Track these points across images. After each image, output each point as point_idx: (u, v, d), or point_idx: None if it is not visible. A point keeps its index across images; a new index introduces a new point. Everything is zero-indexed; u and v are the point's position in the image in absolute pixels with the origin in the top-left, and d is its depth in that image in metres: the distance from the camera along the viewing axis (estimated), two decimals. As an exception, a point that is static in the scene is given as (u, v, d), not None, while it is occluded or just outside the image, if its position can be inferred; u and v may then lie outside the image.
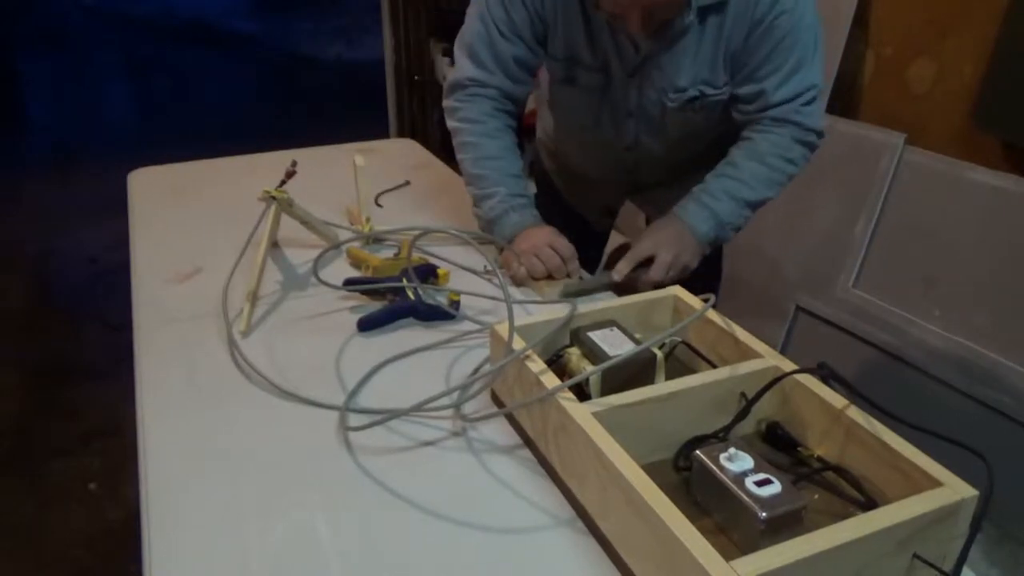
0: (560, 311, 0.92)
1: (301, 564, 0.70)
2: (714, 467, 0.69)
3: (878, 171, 1.99)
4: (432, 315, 1.10)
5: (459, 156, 1.28)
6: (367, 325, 1.07)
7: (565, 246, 1.19)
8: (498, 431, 0.88)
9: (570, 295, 1.16)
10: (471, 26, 1.23)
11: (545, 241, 1.19)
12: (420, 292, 1.11)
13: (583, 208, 1.54)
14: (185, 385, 0.95)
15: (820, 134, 1.22)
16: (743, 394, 0.81)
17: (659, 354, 0.84)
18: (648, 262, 1.17)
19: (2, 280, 3.06)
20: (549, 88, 1.35)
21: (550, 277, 1.19)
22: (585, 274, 1.25)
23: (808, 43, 1.14)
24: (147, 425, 0.88)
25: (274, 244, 1.30)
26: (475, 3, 1.22)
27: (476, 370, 0.99)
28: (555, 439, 0.78)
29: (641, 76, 1.19)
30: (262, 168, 1.53)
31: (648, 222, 1.51)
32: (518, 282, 1.20)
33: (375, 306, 1.12)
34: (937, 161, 1.90)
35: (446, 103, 1.28)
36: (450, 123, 1.29)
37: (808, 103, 1.18)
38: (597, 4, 1.09)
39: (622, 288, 1.18)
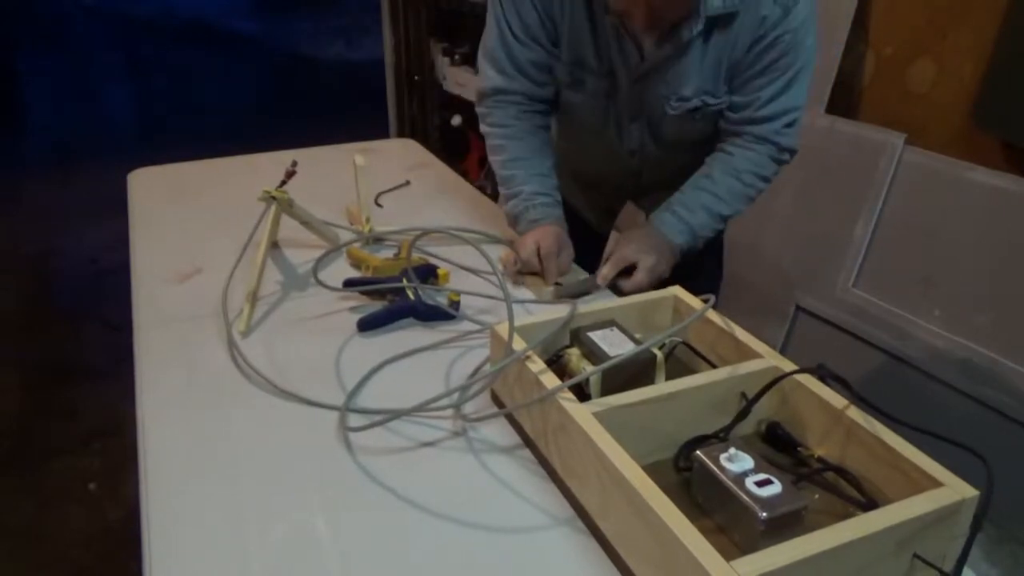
0: (560, 311, 0.92)
1: (301, 564, 0.70)
2: (714, 467, 0.69)
3: (878, 171, 1.99)
4: (432, 315, 1.10)
5: (491, 158, 1.31)
6: (367, 325, 1.07)
7: (547, 247, 1.20)
8: (498, 431, 0.88)
9: (559, 297, 1.18)
10: (489, 32, 1.24)
11: (534, 240, 1.21)
12: (420, 292, 1.11)
13: (585, 210, 1.54)
14: (185, 385, 0.95)
15: (794, 153, 1.25)
16: (743, 394, 0.81)
17: (659, 354, 0.84)
18: (629, 268, 1.20)
19: (2, 280, 3.06)
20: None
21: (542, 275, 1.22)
22: (580, 274, 1.25)
23: (804, 64, 1.16)
24: (147, 425, 0.88)
25: (274, 244, 1.30)
26: (491, 8, 1.23)
27: (476, 370, 0.99)
28: (555, 439, 0.78)
29: (645, 83, 1.19)
30: (262, 168, 1.53)
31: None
32: (512, 278, 1.23)
33: (375, 306, 1.12)
34: (937, 161, 1.90)
35: (478, 109, 1.32)
36: (482, 127, 1.32)
37: (790, 124, 1.21)
38: (607, 7, 1.10)
39: (621, 289, 1.19)
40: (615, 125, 1.28)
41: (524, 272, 1.23)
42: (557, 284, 1.20)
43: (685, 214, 1.23)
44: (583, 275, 1.25)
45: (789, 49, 1.13)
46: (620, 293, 1.19)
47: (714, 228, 1.25)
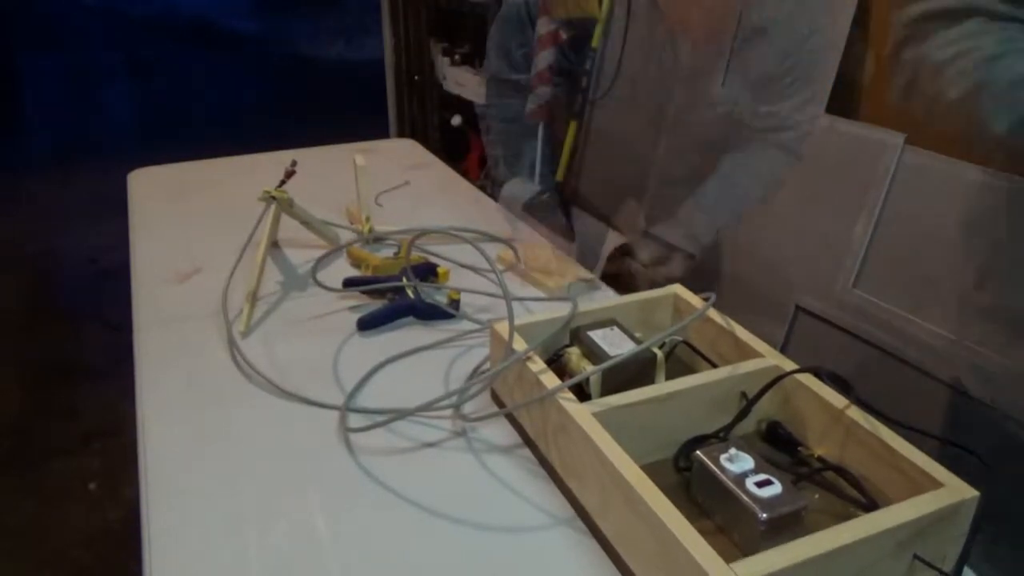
0: (560, 310, 0.92)
1: (301, 564, 0.70)
2: (714, 467, 0.69)
3: (878, 171, 1.98)
4: (432, 314, 1.10)
5: (489, 149, 1.30)
6: (367, 324, 1.07)
7: (566, 244, 1.21)
8: (498, 431, 0.88)
9: (589, 289, 1.19)
10: (509, 22, 1.24)
11: (547, 236, 1.21)
12: (420, 291, 1.11)
13: (585, 205, 1.54)
14: (185, 385, 0.95)
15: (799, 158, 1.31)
16: (743, 394, 0.81)
17: (659, 354, 0.84)
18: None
19: (2, 280, 3.06)
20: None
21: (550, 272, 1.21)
22: (580, 271, 1.25)
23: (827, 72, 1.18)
24: (147, 425, 0.88)
25: (274, 244, 1.30)
26: None
27: (476, 370, 0.99)
28: (555, 439, 0.78)
29: (674, 89, 1.20)
30: (262, 168, 1.53)
31: (647, 220, 1.52)
32: (523, 276, 1.22)
33: (375, 306, 1.12)
34: (937, 161, 1.90)
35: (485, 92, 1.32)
36: (485, 114, 1.31)
37: (803, 135, 1.28)
38: (661, 13, 1.10)
39: (622, 286, 1.20)
40: (634, 125, 1.28)
41: (543, 272, 1.22)
42: (584, 280, 1.20)
43: (707, 219, 1.31)
44: (583, 272, 1.25)
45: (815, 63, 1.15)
46: (627, 290, 1.19)
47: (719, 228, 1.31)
